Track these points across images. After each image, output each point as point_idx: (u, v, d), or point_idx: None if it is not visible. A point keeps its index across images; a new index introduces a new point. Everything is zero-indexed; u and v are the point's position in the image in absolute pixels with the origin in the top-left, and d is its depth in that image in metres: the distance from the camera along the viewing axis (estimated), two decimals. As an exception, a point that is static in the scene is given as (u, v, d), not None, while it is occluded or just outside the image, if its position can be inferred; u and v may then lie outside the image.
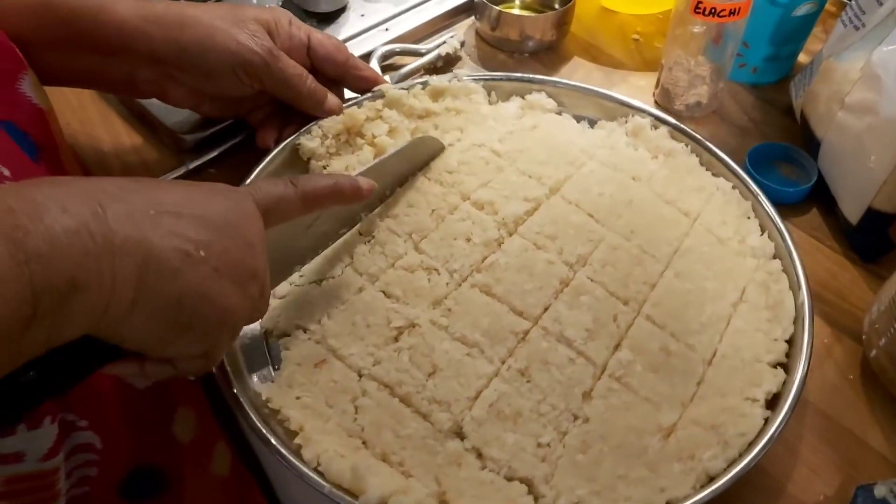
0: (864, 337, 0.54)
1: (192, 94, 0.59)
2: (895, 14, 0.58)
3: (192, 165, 0.63)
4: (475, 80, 0.68)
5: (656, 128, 0.66)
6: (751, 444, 0.46)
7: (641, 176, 0.63)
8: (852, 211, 0.61)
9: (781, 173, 0.68)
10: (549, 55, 0.78)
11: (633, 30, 0.82)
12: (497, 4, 0.77)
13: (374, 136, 0.63)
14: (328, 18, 0.76)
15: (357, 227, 0.58)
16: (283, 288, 0.55)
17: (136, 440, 0.46)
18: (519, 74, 0.69)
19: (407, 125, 0.64)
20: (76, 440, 0.42)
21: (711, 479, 0.45)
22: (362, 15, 0.77)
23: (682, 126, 0.65)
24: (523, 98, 0.69)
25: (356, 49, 0.73)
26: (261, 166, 0.59)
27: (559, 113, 0.68)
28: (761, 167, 0.66)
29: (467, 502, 0.44)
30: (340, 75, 0.64)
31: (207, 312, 0.37)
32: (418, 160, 0.62)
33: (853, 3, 0.63)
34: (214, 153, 0.64)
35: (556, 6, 0.81)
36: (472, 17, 0.80)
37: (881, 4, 0.59)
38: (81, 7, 0.52)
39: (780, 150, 0.69)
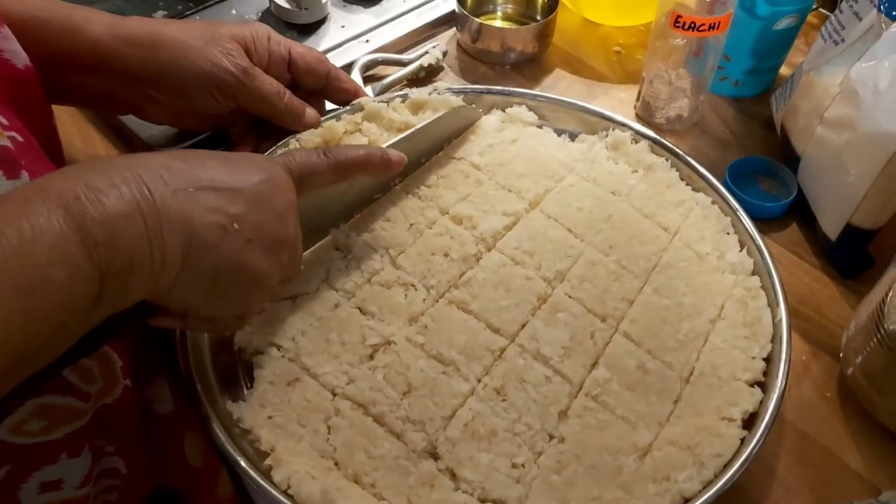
0: (841, 354, 0.54)
1: (168, 112, 0.58)
2: (874, 30, 0.57)
3: None
4: (455, 92, 0.67)
5: (637, 142, 0.65)
6: (727, 465, 0.45)
7: (621, 190, 0.62)
8: (831, 227, 0.61)
9: (762, 187, 0.68)
10: (531, 67, 0.78)
11: (615, 42, 0.82)
12: (478, 16, 0.77)
13: None
14: (308, 30, 0.76)
15: (332, 240, 0.58)
16: None
17: (156, 465, 0.47)
18: (499, 88, 0.69)
19: (387, 138, 0.63)
20: (104, 465, 0.43)
21: (687, 502, 0.44)
22: (343, 26, 0.77)
23: (663, 140, 0.65)
24: (504, 111, 0.68)
25: (337, 60, 0.73)
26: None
27: (540, 126, 0.68)
28: (741, 181, 0.66)
29: (440, 525, 0.44)
30: (322, 88, 0.63)
31: (242, 280, 0.41)
32: (453, 129, 0.63)
33: (833, 17, 0.63)
34: None
35: (538, 18, 0.81)
36: (454, 29, 0.80)
37: (861, 19, 0.59)
38: (58, 27, 0.52)
39: (760, 164, 0.68)
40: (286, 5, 0.74)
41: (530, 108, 0.68)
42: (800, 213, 0.65)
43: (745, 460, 0.45)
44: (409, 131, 0.59)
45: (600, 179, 0.63)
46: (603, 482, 0.46)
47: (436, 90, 0.67)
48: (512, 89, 0.69)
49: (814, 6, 0.71)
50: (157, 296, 0.38)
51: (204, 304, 0.41)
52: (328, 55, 0.71)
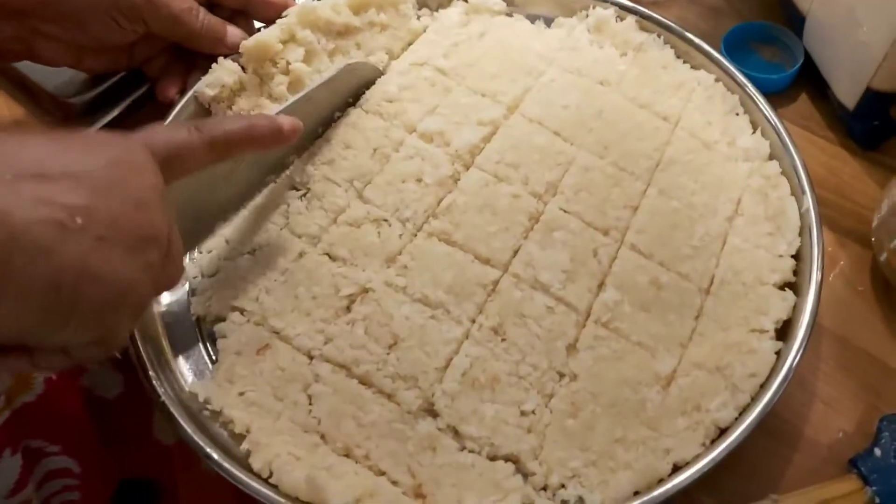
0: (872, 239, 0.48)
1: (67, 49, 0.50)
2: None
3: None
4: (407, -16, 0.58)
5: (622, 19, 0.57)
6: (763, 385, 0.40)
7: (610, 79, 0.54)
8: (848, 94, 0.53)
9: (762, 57, 0.60)
10: None
11: None
12: None
13: (288, 64, 0.53)
14: None
15: (287, 174, 0.50)
16: (210, 264, 0.47)
17: (118, 454, 0.42)
18: (456, -27, 0.59)
19: (324, 46, 0.54)
20: (48, 466, 0.38)
21: (722, 432, 0.39)
22: None
23: (652, 14, 0.56)
24: (466, 1, 0.59)
25: None
26: (166, 123, 0.50)
27: (509, 14, 0.59)
28: (739, 52, 0.59)
29: (448, 493, 0.39)
30: (244, 4, 0.54)
31: (94, 293, 0.31)
32: (349, 90, 0.53)
33: None
34: (110, 116, 0.55)
35: None
36: None
37: None
38: None
39: (759, 30, 0.61)
40: None
41: (495, -6, 0.59)
42: (809, 81, 0.57)
43: (786, 377, 0.39)
44: (300, 93, 0.49)
45: (585, 69, 0.55)
46: (625, 421, 0.40)
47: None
48: (471, -27, 0.59)
49: None
50: None
51: (46, 329, 0.31)
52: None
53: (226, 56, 0.52)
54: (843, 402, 0.43)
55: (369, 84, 0.54)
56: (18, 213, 0.28)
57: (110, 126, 0.55)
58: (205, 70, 0.52)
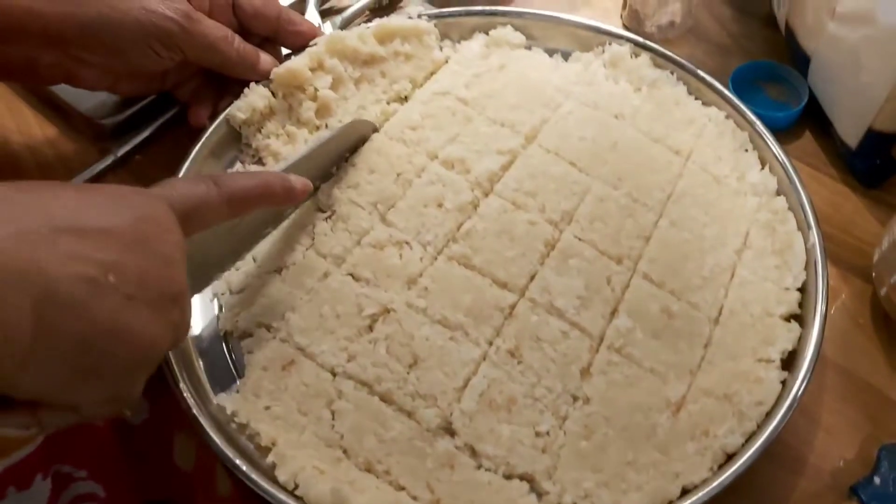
0: (873, 274, 0.50)
1: (104, 75, 0.51)
2: None
3: (120, 153, 0.56)
4: (431, 17, 0.60)
5: (637, 56, 0.59)
6: (769, 414, 0.42)
7: (625, 113, 0.56)
8: (851, 133, 0.55)
9: (769, 95, 0.62)
10: None
11: None
12: None
13: (316, 90, 0.55)
14: None
15: (312, 201, 0.52)
16: (238, 281, 0.49)
17: (140, 479, 0.42)
18: (480, 8, 0.62)
19: (351, 74, 0.57)
20: (76, 491, 0.39)
21: (729, 458, 0.41)
22: None
23: (665, 51, 0.58)
24: (487, 34, 0.61)
25: None
26: (197, 147, 0.52)
27: (528, 48, 0.61)
28: (746, 89, 0.60)
29: (466, 508, 0.40)
30: (273, 32, 0.56)
31: (122, 352, 0.31)
32: (348, 145, 0.54)
33: None
34: (140, 137, 0.57)
35: None
36: None
37: None
38: None
39: (765, 69, 0.62)
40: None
41: (516, 28, 0.61)
42: (813, 120, 0.59)
43: (790, 406, 0.41)
44: (303, 150, 0.50)
45: (601, 103, 0.57)
46: (636, 444, 0.42)
47: (409, 15, 0.60)
48: (494, 8, 0.62)
49: None
50: (0, 375, 0.28)
51: (68, 387, 0.30)
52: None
53: (257, 82, 0.55)
54: (844, 431, 0.45)
55: (366, 139, 0.55)
56: (53, 269, 0.28)
57: (140, 148, 0.57)
58: (235, 95, 0.54)
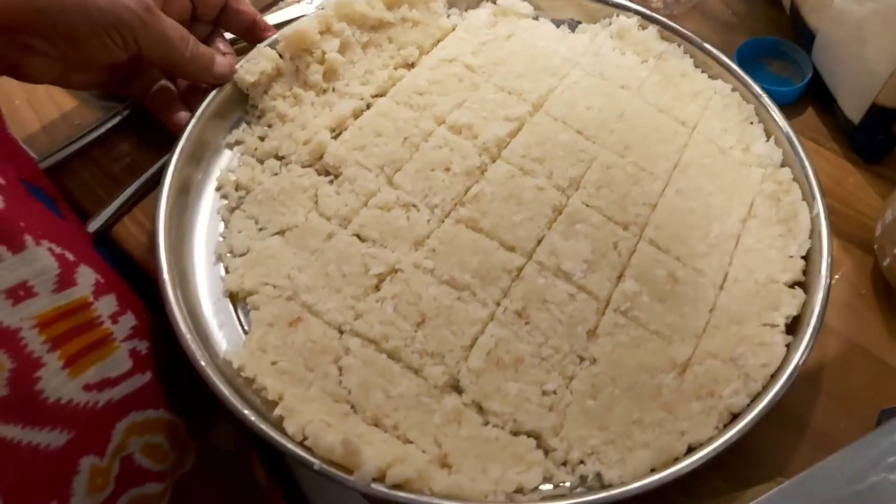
0: (875, 245, 0.50)
1: (53, 66, 0.47)
2: None
3: (126, 113, 0.56)
4: (442, -16, 0.60)
5: (644, 28, 0.59)
6: (774, 375, 0.42)
7: (631, 84, 0.57)
8: (854, 108, 0.56)
9: (772, 71, 0.63)
10: None
11: None
12: None
13: (323, 53, 0.55)
14: None
15: (318, 162, 0.52)
16: (240, 244, 0.49)
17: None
18: (488, -24, 0.62)
19: (359, 38, 0.56)
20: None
21: (735, 417, 0.41)
22: None
23: (673, 24, 0.58)
24: (495, 3, 0.61)
25: None
26: (202, 107, 0.52)
27: (536, 17, 0.61)
28: (750, 65, 0.61)
29: (472, 463, 0.40)
30: (215, 15, 0.55)
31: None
32: None
33: None
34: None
35: None
36: None
37: None
38: None
39: (769, 45, 0.63)
40: None
41: (523, -2, 0.61)
42: (816, 96, 0.60)
43: (795, 369, 0.42)
44: None
45: (608, 73, 0.57)
46: (643, 403, 0.42)
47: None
48: (502, -23, 0.62)
49: None
50: None
51: None
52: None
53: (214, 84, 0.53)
54: (845, 397, 0.45)
55: None
56: None
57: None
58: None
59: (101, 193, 0.53)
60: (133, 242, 0.52)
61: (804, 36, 0.60)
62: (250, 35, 0.56)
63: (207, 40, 0.55)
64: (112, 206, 0.52)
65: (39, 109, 0.57)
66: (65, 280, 0.38)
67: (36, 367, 0.35)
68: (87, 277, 0.39)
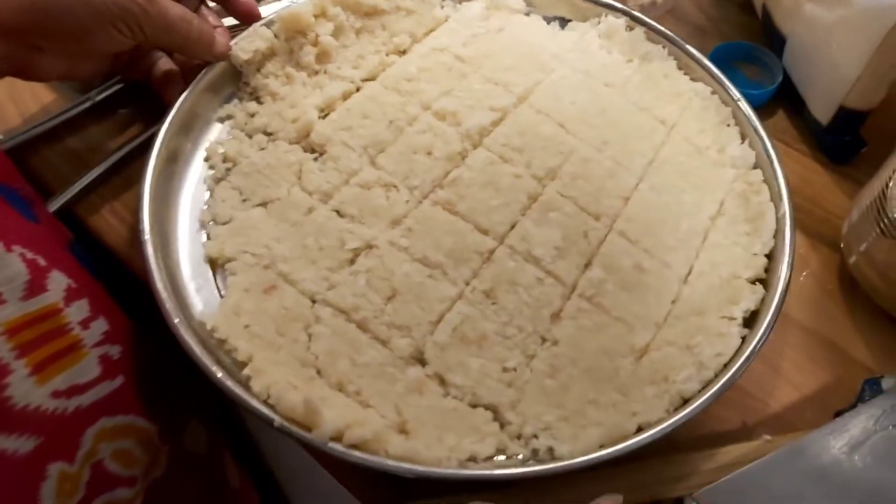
0: (842, 244, 0.52)
1: (59, 61, 0.49)
2: None
3: (98, 98, 0.57)
4: (436, -24, 0.62)
5: (631, 28, 0.61)
6: (727, 365, 0.43)
7: (615, 82, 0.58)
8: (822, 111, 0.57)
9: (745, 75, 0.64)
10: None
11: None
12: None
13: (317, 36, 0.57)
14: None
15: (304, 140, 0.53)
16: (224, 212, 0.50)
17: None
18: (482, -29, 0.63)
19: (352, 23, 0.58)
20: None
21: (685, 402, 0.42)
22: None
23: (660, 27, 0.60)
24: (488, -3, 0.63)
25: None
26: (196, 81, 0.54)
27: (527, 13, 0.63)
28: (723, 69, 0.61)
29: (429, 431, 0.41)
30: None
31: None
32: None
33: None
34: (119, 85, 0.58)
35: None
36: None
37: None
38: None
39: (742, 49, 0.64)
40: None
41: (516, -6, 0.63)
42: (787, 98, 0.61)
43: (747, 359, 0.43)
44: None
45: (593, 71, 0.59)
46: (599, 385, 0.44)
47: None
48: (497, -27, 0.63)
49: None
50: None
51: None
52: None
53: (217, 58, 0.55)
54: (809, 386, 0.47)
55: None
56: None
57: (120, 95, 0.58)
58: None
59: (69, 174, 0.54)
60: (113, 235, 0.52)
61: (775, 41, 0.62)
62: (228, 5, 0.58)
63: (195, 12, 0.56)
64: (91, 175, 0.53)
65: (21, 104, 0.58)
66: (34, 286, 0.38)
67: (3, 374, 0.35)
68: (58, 283, 0.39)
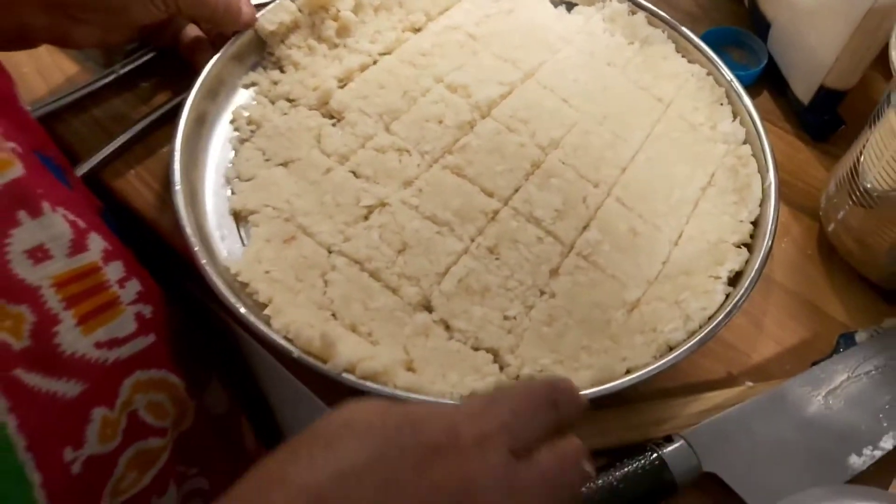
0: (820, 213, 0.56)
1: (95, 31, 0.52)
2: None
3: (122, 71, 0.60)
4: (452, -41, 0.65)
5: (634, 13, 0.64)
6: (711, 318, 0.47)
7: (617, 62, 0.62)
8: (804, 91, 0.61)
9: (732, 58, 0.67)
10: None
11: None
12: None
13: (338, 11, 0.60)
14: None
15: (324, 107, 0.57)
16: (247, 170, 0.54)
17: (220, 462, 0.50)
18: (496, -45, 0.67)
19: (371, 1, 0.62)
20: (188, 488, 0.45)
21: (671, 350, 0.46)
22: None
23: (659, 11, 0.64)
24: (500, -20, 0.67)
25: None
26: (223, 49, 0.57)
27: (536, -3, 0.67)
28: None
29: (434, 370, 0.45)
30: None
31: None
32: None
33: None
34: (144, 58, 0.61)
35: None
36: None
37: None
38: None
39: (730, 34, 0.68)
40: None
41: (527, -22, 0.66)
42: (770, 80, 0.65)
43: (729, 312, 0.46)
44: None
45: (597, 52, 0.62)
46: (592, 334, 0.47)
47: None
48: (509, -42, 0.67)
49: None
50: None
51: None
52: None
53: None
54: (788, 340, 0.51)
55: None
56: None
57: (144, 68, 0.61)
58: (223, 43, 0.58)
59: (94, 143, 0.56)
60: (139, 199, 0.55)
61: (761, 26, 0.66)
62: None
63: None
64: (117, 142, 0.56)
65: (47, 76, 0.61)
66: (77, 245, 0.40)
67: (54, 322, 0.37)
68: (96, 244, 0.42)
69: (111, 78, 0.60)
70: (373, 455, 0.30)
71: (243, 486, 0.31)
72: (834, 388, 0.45)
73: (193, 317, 0.49)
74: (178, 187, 0.50)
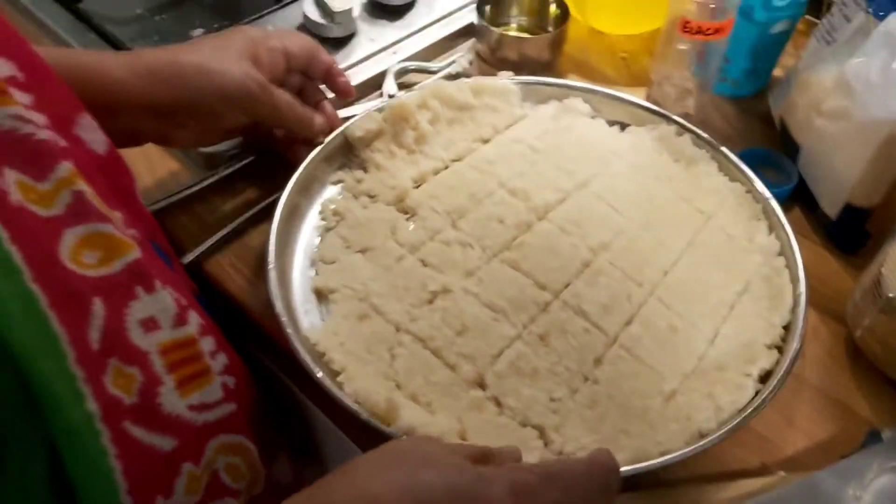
0: (847, 319, 0.60)
1: (190, 134, 0.62)
2: (863, 29, 0.64)
3: (224, 173, 0.69)
4: (517, 82, 0.74)
5: (681, 135, 0.71)
6: (741, 410, 0.51)
7: (663, 177, 0.69)
8: (831, 207, 0.66)
9: (765, 177, 0.71)
10: (545, 74, 0.79)
11: (620, 49, 0.88)
12: (496, 27, 0.82)
13: (417, 122, 0.69)
14: (339, 43, 0.80)
15: (400, 203, 0.65)
16: (330, 254, 0.61)
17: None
18: (557, 80, 0.76)
19: (447, 115, 0.71)
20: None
21: (702, 437, 0.50)
22: (371, 39, 0.81)
23: (705, 135, 0.71)
24: (560, 102, 0.75)
25: (368, 71, 0.78)
26: (315, 152, 0.66)
27: (593, 117, 0.75)
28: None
29: (484, 440, 0.50)
30: (323, 78, 0.68)
31: None
32: None
33: (825, 21, 0.70)
34: (243, 162, 0.70)
35: (551, 28, 0.86)
36: (473, 40, 0.85)
37: (850, 21, 0.66)
38: (77, 71, 0.53)
39: (763, 155, 0.73)
40: (320, 20, 0.79)
41: (585, 101, 0.75)
42: (801, 197, 0.70)
43: (758, 407, 0.51)
44: None
45: (645, 167, 0.69)
46: (630, 419, 0.52)
47: (501, 79, 0.74)
48: (568, 82, 0.75)
49: (803, 13, 0.77)
50: None
51: None
52: (359, 66, 0.78)
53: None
54: (818, 435, 0.55)
55: None
56: None
57: (241, 171, 0.70)
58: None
59: (197, 235, 0.64)
60: (232, 284, 0.62)
61: (791, 148, 0.72)
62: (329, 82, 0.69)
63: (305, 87, 0.67)
64: (220, 234, 0.64)
65: (155, 173, 0.71)
66: (180, 319, 0.45)
67: (158, 383, 0.42)
68: (194, 319, 0.46)
69: (214, 179, 0.69)
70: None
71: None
72: (862, 481, 0.48)
73: (269, 393, 0.56)
74: (272, 266, 0.58)
